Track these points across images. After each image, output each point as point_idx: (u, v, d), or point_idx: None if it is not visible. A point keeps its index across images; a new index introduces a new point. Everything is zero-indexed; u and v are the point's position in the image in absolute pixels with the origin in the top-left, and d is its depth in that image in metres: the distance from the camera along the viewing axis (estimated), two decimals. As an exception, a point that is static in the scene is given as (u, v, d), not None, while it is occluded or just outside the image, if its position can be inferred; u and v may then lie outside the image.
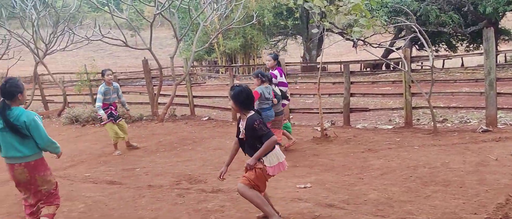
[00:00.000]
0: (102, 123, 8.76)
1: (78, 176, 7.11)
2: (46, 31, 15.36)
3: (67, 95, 15.87)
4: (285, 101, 7.91)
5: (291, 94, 11.02)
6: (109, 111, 8.67)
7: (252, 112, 4.33)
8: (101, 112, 8.52)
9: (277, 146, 4.40)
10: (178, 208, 5.16)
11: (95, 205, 5.53)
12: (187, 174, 6.72)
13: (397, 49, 12.61)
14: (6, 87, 4.16)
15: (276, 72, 7.84)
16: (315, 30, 9.73)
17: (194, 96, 12.91)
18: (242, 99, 4.29)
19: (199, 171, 6.82)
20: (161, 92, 12.96)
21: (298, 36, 35.98)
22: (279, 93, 7.39)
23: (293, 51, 38.45)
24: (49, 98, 17.58)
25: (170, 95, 12.70)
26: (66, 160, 8.40)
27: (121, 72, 33.91)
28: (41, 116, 4.24)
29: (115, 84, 8.94)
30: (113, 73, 8.91)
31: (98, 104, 8.55)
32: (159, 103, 13.08)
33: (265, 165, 4.31)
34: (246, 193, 4.32)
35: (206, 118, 11.94)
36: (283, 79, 7.95)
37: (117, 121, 8.80)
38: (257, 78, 7.06)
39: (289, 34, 35.20)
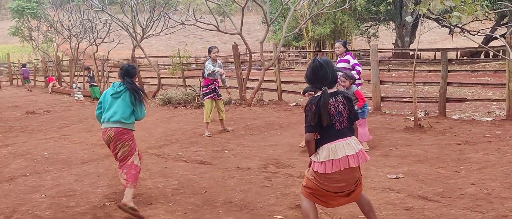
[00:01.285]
0: (204, 98, 9.09)
1: (171, 155, 7.43)
2: (143, 16, 16.15)
3: (161, 77, 16.61)
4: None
5: (382, 81, 10.77)
6: (213, 87, 8.99)
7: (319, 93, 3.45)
8: (214, 68, 8.82)
9: (343, 140, 3.41)
10: (266, 191, 5.22)
11: (187, 183, 5.75)
12: (274, 158, 6.77)
13: (501, 36, 11.74)
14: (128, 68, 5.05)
15: (348, 57, 7.73)
16: (408, 18, 9.33)
17: (282, 82, 12.94)
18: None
19: (286, 156, 6.85)
20: (249, 77, 13.15)
21: (391, 22, 34.74)
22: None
23: (385, 38, 37.22)
24: (145, 80, 18.52)
25: (257, 80, 12.84)
26: (160, 139, 8.83)
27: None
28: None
29: (219, 61, 9.24)
30: (218, 50, 9.14)
31: (209, 67, 8.85)
32: (247, 87, 13.29)
33: (313, 161, 3.50)
34: (300, 203, 3.67)
35: (294, 104, 11.94)
36: (356, 61, 7.84)
37: (218, 98, 9.13)
38: (350, 79, 6.70)
39: (381, 19, 34.11)
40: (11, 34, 30.95)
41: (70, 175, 6.50)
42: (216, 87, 9.08)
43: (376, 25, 36.60)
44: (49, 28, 25.73)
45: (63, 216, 4.82)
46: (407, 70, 15.10)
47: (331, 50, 29.90)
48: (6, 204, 5.28)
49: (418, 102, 9.16)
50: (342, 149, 3.37)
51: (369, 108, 10.78)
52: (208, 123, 9.06)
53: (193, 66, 24.10)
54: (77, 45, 21.63)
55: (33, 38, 28.25)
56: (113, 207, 4.98)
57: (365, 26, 36.17)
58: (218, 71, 8.87)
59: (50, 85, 22.70)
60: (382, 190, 5.01)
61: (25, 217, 4.84)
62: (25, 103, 17.40)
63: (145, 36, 16.19)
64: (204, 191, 5.42)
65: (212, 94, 9.00)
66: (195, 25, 12.04)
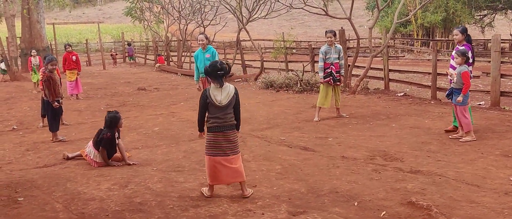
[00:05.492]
0: (321, 80, 8.96)
1: (274, 138, 7.42)
2: (250, -1, 16.29)
3: (264, 61, 16.70)
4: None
5: (502, 74, 9.90)
6: (329, 71, 8.83)
7: None
8: (321, 74, 8.83)
9: None
10: (374, 184, 4.99)
11: (291, 168, 5.69)
12: (381, 150, 6.48)
13: None
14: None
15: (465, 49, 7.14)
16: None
17: (389, 70, 12.41)
18: None
19: (394, 149, 6.52)
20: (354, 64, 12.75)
21: (509, 11, 31.96)
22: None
23: (501, 28, 34.33)
24: (248, 63, 18.78)
25: (361, 67, 12.41)
26: (263, 122, 8.86)
27: (315, 41, 34.27)
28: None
29: (338, 46, 9.02)
30: (334, 35, 8.87)
31: (320, 64, 8.83)
32: (352, 74, 12.92)
33: None
34: None
35: (402, 94, 11.39)
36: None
37: (335, 83, 8.93)
38: (464, 57, 6.82)
39: (499, 8, 31.45)
40: (125, 14, 33.00)
41: (178, 151, 6.75)
42: (333, 71, 8.84)
43: (492, 14, 33.86)
44: (160, 9, 26.95)
45: (172, 190, 4.99)
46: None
47: (441, 39, 28.24)
48: (121, 175, 5.60)
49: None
50: None
51: (483, 102, 10.05)
52: (320, 107, 8.91)
53: (294, 50, 23.98)
54: (185, 27, 22.46)
55: (145, 18, 29.78)
56: (220, 187, 5.06)
57: (480, 15, 33.62)
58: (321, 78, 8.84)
59: (157, 65, 23.97)
60: (505, 194, 4.57)
61: (138, 188, 5.09)
62: (137, 80, 18.46)
63: (250, 19, 16.35)
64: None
65: (327, 78, 8.82)
66: (303, 9, 11.86)
